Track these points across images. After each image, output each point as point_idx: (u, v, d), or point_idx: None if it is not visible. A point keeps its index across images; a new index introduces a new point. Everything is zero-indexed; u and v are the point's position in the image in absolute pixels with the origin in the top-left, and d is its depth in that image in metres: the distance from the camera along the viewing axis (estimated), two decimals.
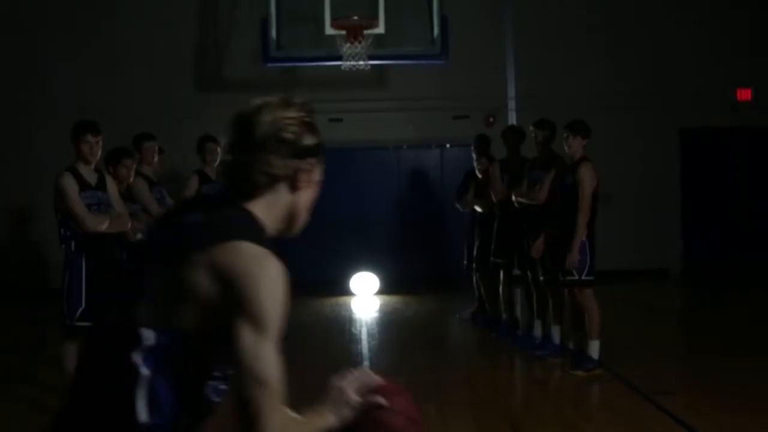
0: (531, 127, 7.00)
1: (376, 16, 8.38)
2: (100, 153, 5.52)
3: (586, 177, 6.33)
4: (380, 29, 8.53)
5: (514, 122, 11.26)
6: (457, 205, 8.54)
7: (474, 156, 8.11)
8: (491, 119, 11.67)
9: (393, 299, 10.45)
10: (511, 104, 11.32)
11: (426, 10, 8.82)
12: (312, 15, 8.71)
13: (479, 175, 7.88)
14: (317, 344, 7.75)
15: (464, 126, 11.44)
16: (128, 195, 6.28)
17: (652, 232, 11.70)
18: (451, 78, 11.31)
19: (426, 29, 8.79)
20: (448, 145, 11.85)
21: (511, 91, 11.32)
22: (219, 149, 7.18)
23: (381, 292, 10.77)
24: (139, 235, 5.95)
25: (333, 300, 10.40)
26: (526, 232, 7.03)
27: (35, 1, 11.43)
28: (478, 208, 7.93)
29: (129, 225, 5.65)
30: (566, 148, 6.48)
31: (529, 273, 7.15)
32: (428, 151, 11.87)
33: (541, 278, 6.91)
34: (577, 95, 11.16)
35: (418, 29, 8.81)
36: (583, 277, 6.37)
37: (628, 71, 11.80)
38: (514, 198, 7.07)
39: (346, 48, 8.30)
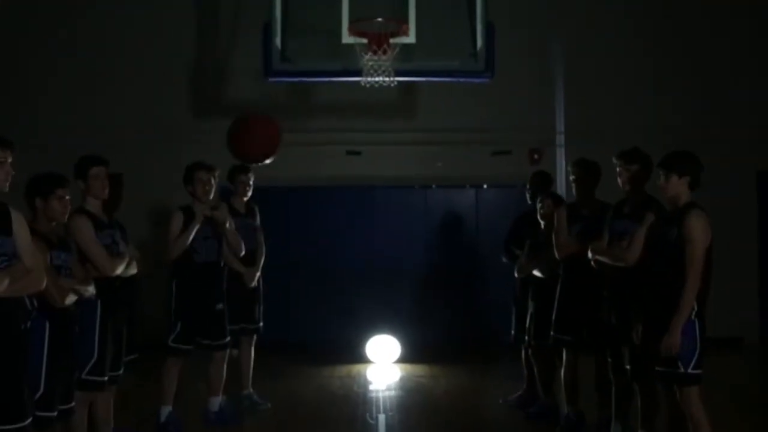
0: (614, 160, 5.21)
1: (404, 20, 6.64)
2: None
3: (696, 230, 4.53)
4: (410, 38, 6.79)
5: (563, 160, 9.78)
6: (504, 260, 6.78)
7: (529, 196, 6.40)
8: (536, 156, 10.02)
9: (417, 369, 8.63)
10: (560, 139, 9.92)
11: (466, 17, 7.08)
12: (325, 19, 6.99)
13: (541, 222, 6.08)
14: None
15: (504, 163, 9.92)
16: (62, 239, 4.65)
17: (723, 294, 9.82)
18: (490, 107, 9.79)
19: (466, 39, 7.03)
20: (485, 185, 10.13)
21: (560, 125, 9.93)
22: (213, 179, 6.16)
23: (403, 359, 8.96)
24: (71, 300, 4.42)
25: (344, 369, 8.62)
26: (606, 303, 5.23)
27: (18, 21, 9.92)
28: (538, 274, 6.11)
29: (39, 284, 3.95)
30: (664, 191, 4.70)
31: (609, 358, 5.31)
32: (461, 191, 10.15)
33: (628, 367, 5.07)
34: (635, 131, 9.40)
35: (456, 39, 7.06)
36: (689, 370, 4.54)
37: (692, 105, 10.06)
38: (591, 255, 5.26)
39: (366, 58, 6.55)
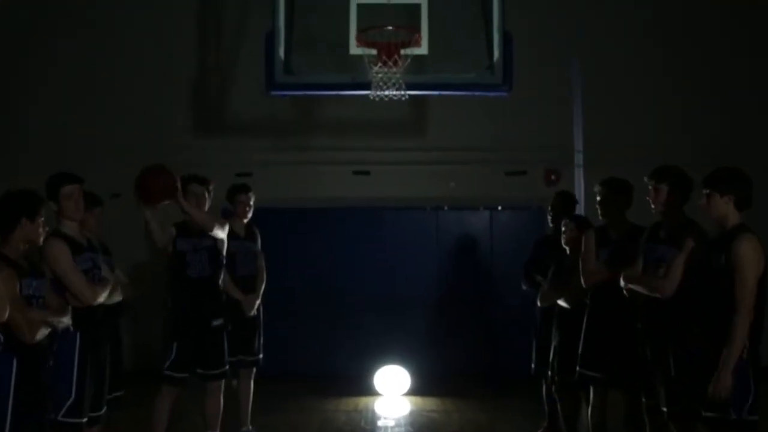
0: (646, 179, 4.72)
1: (416, 29, 6.17)
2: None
3: (747, 256, 4.04)
4: (422, 49, 6.32)
5: (581, 180, 9.29)
6: (524, 287, 6.28)
7: (551, 219, 5.92)
8: (553, 177, 9.56)
9: (428, 403, 8.10)
10: (578, 159, 9.35)
11: (482, 26, 6.61)
12: (332, 29, 6.54)
13: (566, 248, 5.58)
14: None
15: (520, 184, 9.44)
16: (34, 264, 4.20)
17: None
18: (505, 124, 9.37)
19: (482, 50, 6.56)
20: (499, 207, 9.63)
21: (578, 143, 9.38)
22: (207, 193, 5.82)
23: (413, 392, 8.43)
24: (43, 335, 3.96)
25: (350, 402, 8.09)
26: (640, 337, 4.72)
27: (17, 35, 9.53)
28: (563, 303, 5.59)
29: None
30: (706, 212, 4.21)
31: (643, 397, 4.79)
32: (475, 213, 9.66)
33: (665, 409, 4.55)
34: (658, 150, 8.89)
35: (471, 50, 6.59)
36: (743, 417, 4.03)
37: (718, 122, 9.59)
38: (623, 284, 4.75)
39: (375, 70, 6.08)
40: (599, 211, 5.31)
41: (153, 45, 9.45)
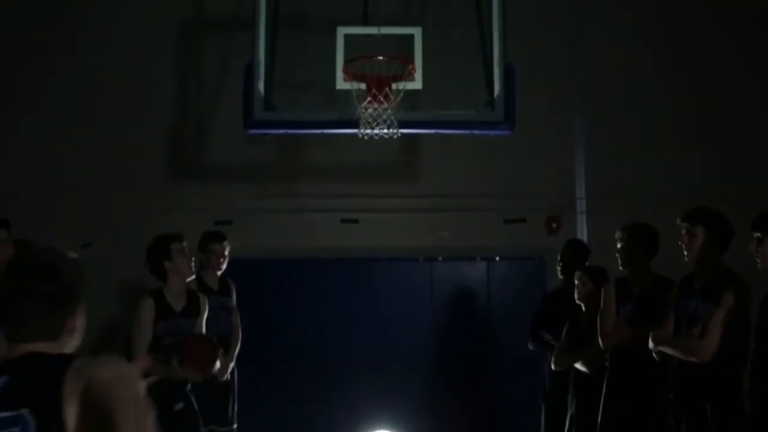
0: (679, 221, 4.12)
1: (409, 59, 5.62)
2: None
3: None
4: (416, 83, 5.77)
5: (584, 228, 8.83)
6: (531, 347, 5.65)
7: (560, 270, 5.32)
8: (554, 224, 8.99)
9: None
10: (581, 205, 8.91)
11: (480, 60, 6.08)
12: (318, 61, 6.01)
13: (580, 303, 4.95)
14: None
15: (519, 232, 8.75)
16: None
17: None
18: (503, 169, 8.77)
19: (481, 85, 6.02)
20: (497, 258, 9.02)
21: (580, 189, 8.94)
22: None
23: None
24: None
25: None
26: (672, 407, 4.07)
27: None
28: (581, 368, 4.94)
29: None
30: (762, 260, 3.60)
31: None
32: (471, 264, 9.04)
33: None
34: (668, 196, 8.42)
35: (470, 85, 6.06)
36: None
37: (730, 166, 9.07)
38: (652, 346, 4.12)
39: (364, 105, 5.52)
40: (620, 261, 4.71)
41: (129, 85, 8.87)
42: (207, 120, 8.95)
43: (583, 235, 8.60)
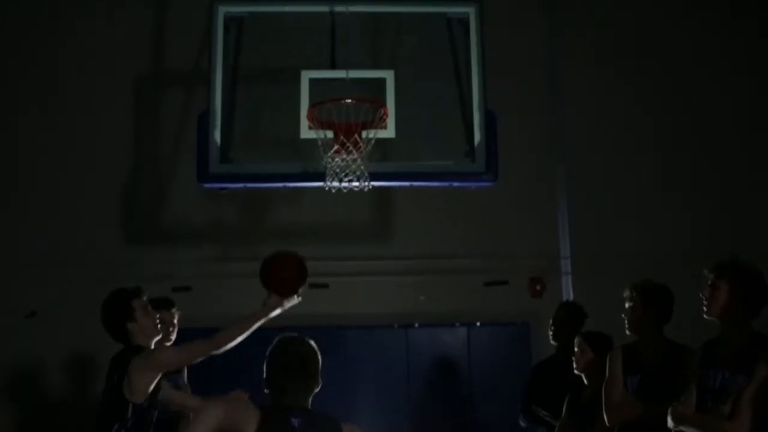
0: (706, 272, 3.58)
1: (381, 103, 5.11)
2: None
3: None
4: (388, 131, 5.26)
5: (570, 290, 8.46)
6: (522, 423, 5.08)
7: (553, 335, 4.77)
8: (538, 286, 8.51)
9: None
10: (566, 266, 8.48)
11: (458, 105, 5.60)
12: (280, 108, 5.49)
13: (583, 377, 4.36)
14: None
15: (500, 295, 8.26)
16: None
17: None
18: (482, 228, 8.33)
19: (460, 133, 5.53)
20: (478, 323, 8.52)
21: (565, 249, 8.57)
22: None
23: None
24: None
25: None
26: None
27: None
28: None
29: None
30: None
31: None
32: (450, 330, 8.53)
33: None
34: (658, 256, 7.99)
35: (447, 133, 5.57)
36: None
37: (720, 225, 8.67)
38: (671, 424, 3.53)
39: (331, 154, 4.98)
40: (627, 325, 4.16)
41: (80, 141, 8.37)
42: (165, 179, 8.44)
43: (569, 297, 8.18)
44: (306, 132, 5.30)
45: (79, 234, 8.19)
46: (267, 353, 3.64)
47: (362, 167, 5.08)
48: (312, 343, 3.72)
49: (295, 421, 3.43)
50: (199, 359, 4.20)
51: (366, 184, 5.14)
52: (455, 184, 5.71)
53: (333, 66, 5.48)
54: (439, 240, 8.40)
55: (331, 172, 5.12)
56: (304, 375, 3.61)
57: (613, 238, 8.37)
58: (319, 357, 3.72)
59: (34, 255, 7.97)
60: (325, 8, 5.62)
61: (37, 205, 8.25)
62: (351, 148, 5.02)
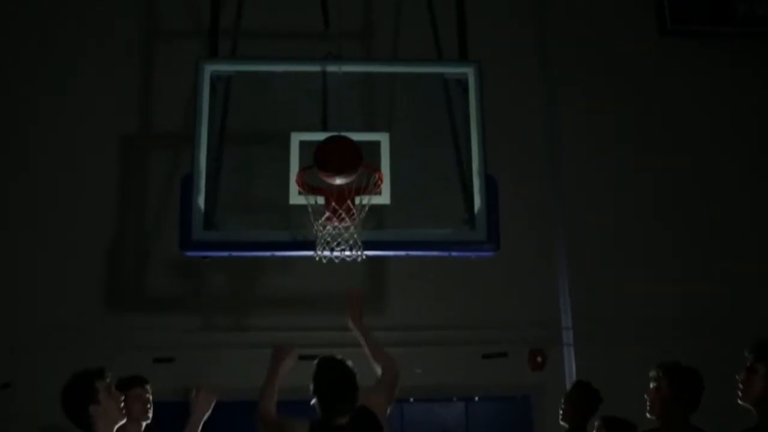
0: (746, 354, 3.25)
1: (375, 167, 4.82)
2: None
3: None
4: (383, 197, 4.96)
5: (572, 363, 8.14)
6: None
7: (562, 416, 4.42)
8: (539, 359, 8.17)
9: None
10: (567, 337, 8.16)
11: (455, 172, 5.32)
12: (269, 175, 5.21)
13: None
14: None
15: (499, 368, 7.93)
16: None
17: None
18: (480, 298, 8.02)
19: (457, 200, 5.24)
20: (476, 398, 8.18)
21: (567, 319, 8.28)
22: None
23: None
24: None
25: None
26: None
27: None
28: None
29: None
30: None
31: None
32: (447, 405, 8.19)
33: None
34: (664, 327, 7.73)
35: (445, 201, 5.27)
36: None
37: (730, 292, 8.36)
38: None
39: (322, 222, 4.67)
40: (649, 407, 3.81)
41: (60, 207, 8.08)
42: (148, 245, 8.12)
43: (571, 370, 7.89)
44: (295, 197, 4.99)
45: (57, 301, 7.83)
46: (314, 373, 4.43)
47: (355, 236, 4.76)
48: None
49: None
50: None
51: (359, 253, 4.82)
52: (454, 253, 5.38)
53: (325, 128, 5.20)
54: (435, 311, 8.06)
55: (322, 240, 4.80)
56: (351, 394, 4.33)
57: (616, 307, 8.05)
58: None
59: (10, 323, 7.60)
60: (316, 68, 5.38)
61: (14, 269, 7.94)
62: (343, 215, 4.71)
